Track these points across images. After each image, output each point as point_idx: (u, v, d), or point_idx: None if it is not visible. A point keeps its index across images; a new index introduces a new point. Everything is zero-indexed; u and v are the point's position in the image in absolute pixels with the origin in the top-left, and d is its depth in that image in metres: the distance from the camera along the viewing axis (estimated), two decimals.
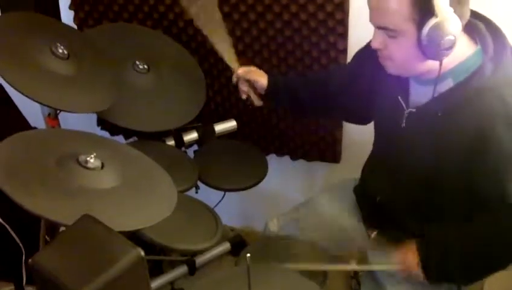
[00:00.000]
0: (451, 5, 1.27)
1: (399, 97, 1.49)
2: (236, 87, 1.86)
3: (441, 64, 1.34)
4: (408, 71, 1.44)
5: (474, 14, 1.39)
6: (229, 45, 1.79)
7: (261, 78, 1.79)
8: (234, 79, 1.83)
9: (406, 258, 1.50)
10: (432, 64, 1.36)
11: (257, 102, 1.85)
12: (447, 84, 1.39)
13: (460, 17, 1.29)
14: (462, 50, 1.37)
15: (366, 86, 1.63)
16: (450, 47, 1.31)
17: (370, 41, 1.57)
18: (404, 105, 1.48)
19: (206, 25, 1.77)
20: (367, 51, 1.60)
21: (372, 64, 1.51)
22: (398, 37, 1.34)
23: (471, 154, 1.35)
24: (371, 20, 1.38)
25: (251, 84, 1.81)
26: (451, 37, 1.29)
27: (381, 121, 1.65)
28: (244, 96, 1.84)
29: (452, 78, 1.38)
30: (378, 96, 1.60)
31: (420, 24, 1.29)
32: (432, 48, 1.30)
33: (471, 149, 1.35)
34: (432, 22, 1.27)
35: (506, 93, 1.32)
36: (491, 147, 1.33)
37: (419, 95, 1.45)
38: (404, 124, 1.48)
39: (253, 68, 1.83)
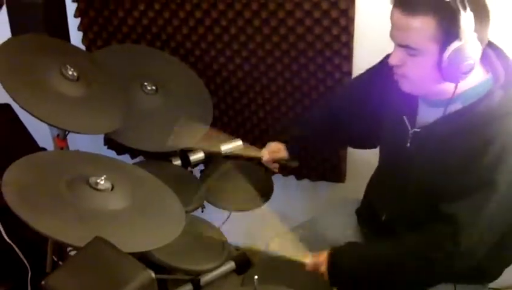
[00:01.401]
0: (475, 30, 1.28)
1: (404, 117, 1.50)
2: (242, 108, 1.86)
3: (456, 87, 1.35)
4: (421, 90, 1.44)
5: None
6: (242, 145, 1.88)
7: (282, 153, 1.83)
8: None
9: (318, 258, 1.55)
10: (445, 86, 1.37)
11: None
12: (455, 107, 1.40)
13: (481, 42, 1.31)
14: (475, 75, 1.38)
15: (374, 109, 1.63)
16: (469, 71, 1.32)
17: (379, 62, 1.60)
18: (408, 125, 1.49)
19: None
20: (376, 71, 1.62)
21: (382, 84, 1.52)
22: (418, 56, 1.34)
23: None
24: (392, 37, 1.37)
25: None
26: (471, 62, 1.30)
27: (386, 140, 1.65)
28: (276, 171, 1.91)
29: (461, 102, 1.39)
30: (385, 117, 1.61)
31: (443, 46, 1.30)
32: (451, 70, 1.31)
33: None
34: (456, 44, 1.28)
35: (510, 123, 1.33)
36: (477, 171, 1.35)
37: (427, 116, 1.46)
38: (409, 144, 1.49)
39: (272, 148, 1.84)
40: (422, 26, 1.29)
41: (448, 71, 1.32)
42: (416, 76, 1.39)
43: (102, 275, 1.06)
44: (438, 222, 1.41)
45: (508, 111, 1.34)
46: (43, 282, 1.03)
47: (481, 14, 1.30)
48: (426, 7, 1.29)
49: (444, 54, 1.30)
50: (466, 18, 1.26)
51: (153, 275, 1.06)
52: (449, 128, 1.39)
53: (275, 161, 1.85)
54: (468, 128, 1.36)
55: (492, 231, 1.42)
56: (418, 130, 1.47)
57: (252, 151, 1.86)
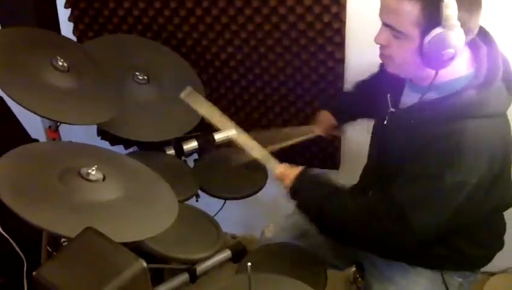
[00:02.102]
0: (460, 18, 1.27)
1: (388, 95, 1.51)
2: (235, 97, 1.85)
3: (436, 74, 1.35)
4: (405, 73, 1.46)
5: (484, 33, 1.40)
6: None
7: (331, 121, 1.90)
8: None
9: (289, 170, 1.63)
10: (429, 72, 1.37)
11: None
12: (430, 97, 1.41)
13: (467, 32, 1.30)
14: (459, 68, 1.38)
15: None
16: (450, 59, 1.31)
17: None
18: (389, 103, 1.50)
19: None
20: None
21: None
22: (401, 38, 1.35)
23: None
24: (380, 15, 1.39)
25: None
26: (451, 50, 1.29)
27: (375, 116, 1.67)
28: None
29: (437, 92, 1.40)
30: (378, 96, 1.62)
31: (425, 31, 1.30)
32: (432, 57, 1.31)
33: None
34: (437, 31, 1.28)
35: (471, 126, 1.33)
36: (426, 162, 1.36)
37: (408, 99, 1.49)
38: (386, 122, 1.51)
39: (321, 119, 1.90)
40: (408, 9, 1.30)
41: (429, 57, 1.32)
42: (400, 59, 1.40)
43: (94, 265, 1.06)
44: (386, 201, 1.42)
45: (474, 115, 1.34)
46: (34, 273, 1.03)
47: (468, 3, 1.29)
48: None
49: (425, 40, 1.30)
50: (449, 6, 1.25)
51: (145, 264, 1.06)
52: (420, 115, 1.40)
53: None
54: (434, 120, 1.37)
55: (441, 221, 1.40)
56: (394, 110, 1.49)
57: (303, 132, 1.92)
